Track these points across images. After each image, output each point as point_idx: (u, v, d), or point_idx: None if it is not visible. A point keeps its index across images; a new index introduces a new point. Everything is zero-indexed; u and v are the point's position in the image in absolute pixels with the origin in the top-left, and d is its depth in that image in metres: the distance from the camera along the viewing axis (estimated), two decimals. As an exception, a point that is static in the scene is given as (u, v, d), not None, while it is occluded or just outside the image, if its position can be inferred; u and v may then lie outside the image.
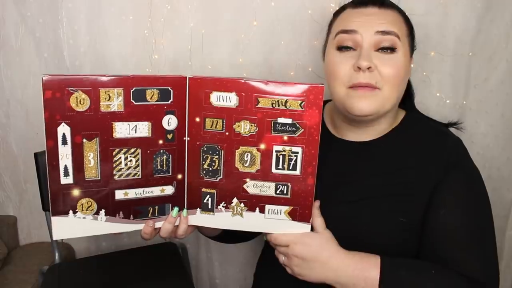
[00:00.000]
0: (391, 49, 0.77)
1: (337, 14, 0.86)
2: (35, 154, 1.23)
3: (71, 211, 0.72)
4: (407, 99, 0.92)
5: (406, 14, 0.84)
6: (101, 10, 1.23)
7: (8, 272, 1.32)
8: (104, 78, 0.68)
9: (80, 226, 0.73)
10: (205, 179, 0.75)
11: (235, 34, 1.21)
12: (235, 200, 0.75)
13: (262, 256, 0.99)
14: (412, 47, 0.84)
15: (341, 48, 0.79)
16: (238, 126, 0.72)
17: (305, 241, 0.74)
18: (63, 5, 1.23)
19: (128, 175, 0.73)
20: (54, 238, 0.73)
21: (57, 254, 1.32)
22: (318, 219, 0.76)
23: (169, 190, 0.76)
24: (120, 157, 0.72)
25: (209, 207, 0.77)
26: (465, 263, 0.74)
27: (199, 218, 0.78)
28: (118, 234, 0.76)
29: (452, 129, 0.90)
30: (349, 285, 0.73)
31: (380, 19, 0.78)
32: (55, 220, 0.72)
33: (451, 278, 0.73)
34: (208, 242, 1.41)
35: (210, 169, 0.75)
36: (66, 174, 0.70)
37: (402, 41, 0.78)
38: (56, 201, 0.71)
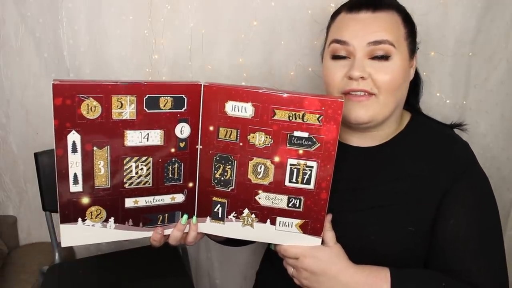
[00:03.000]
0: (385, 57, 0.75)
1: (333, 17, 0.83)
2: (35, 154, 1.23)
3: (80, 219, 0.71)
4: (412, 98, 0.90)
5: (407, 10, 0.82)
6: (101, 10, 1.23)
7: (8, 272, 1.32)
8: (117, 85, 0.66)
9: (88, 234, 0.73)
10: (216, 188, 0.75)
11: (235, 34, 1.21)
12: (246, 211, 0.75)
13: (266, 255, 0.99)
14: (413, 48, 0.81)
15: (335, 57, 0.78)
16: (253, 137, 0.70)
17: (314, 254, 0.73)
18: (63, 5, 1.23)
19: (138, 183, 0.72)
20: (63, 245, 0.72)
21: (57, 254, 1.31)
22: (329, 233, 0.75)
23: (179, 198, 0.76)
24: (131, 166, 0.71)
25: (219, 216, 0.76)
26: (474, 273, 0.73)
27: (209, 226, 0.77)
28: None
29: (456, 131, 0.89)
30: None
31: (373, 27, 0.75)
32: (64, 227, 0.71)
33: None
34: (208, 242, 1.41)
35: (222, 178, 0.74)
36: (76, 182, 0.69)
37: (398, 46, 0.76)
38: (64, 209, 0.70)
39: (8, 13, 1.27)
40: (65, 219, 0.71)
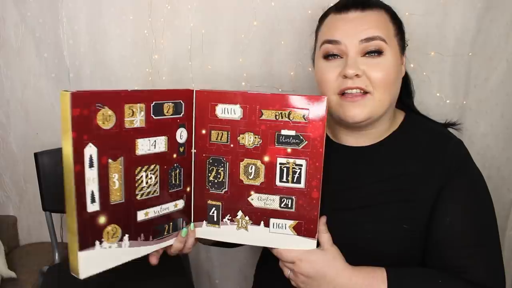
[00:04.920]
0: (378, 53, 0.76)
1: (321, 20, 0.84)
2: (35, 154, 1.23)
3: (97, 242, 0.65)
4: (405, 98, 0.91)
5: (395, 11, 0.82)
6: (101, 10, 1.23)
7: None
8: (129, 92, 0.66)
9: (106, 257, 0.67)
10: (210, 191, 0.75)
11: (235, 34, 1.21)
12: (240, 213, 0.75)
13: (262, 256, 0.99)
14: (402, 45, 0.82)
15: (328, 57, 0.78)
16: (243, 138, 0.71)
17: (310, 258, 0.73)
18: (63, 5, 1.23)
19: (148, 193, 0.71)
20: (81, 277, 0.64)
21: (57, 254, 1.32)
22: (324, 235, 0.74)
23: (180, 204, 0.75)
24: (142, 175, 0.69)
25: (215, 219, 0.76)
26: (471, 270, 0.73)
27: (205, 231, 0.77)
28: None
29: (451, 130, 0.89)
30: None
31: (363, 25, 0.76)
32: (83, 255, 0.63)
33: (459, 286, 0.72)
34: (208, 242, 1.42)
35: (216, 181, 0.74)
36: (93, 200, 0.64)
37: (389, 42, 0.77)
38: (83, 233, 0.63)
39: (8, 13, 1.27)
40: (84, 245, 0.63)
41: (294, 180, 0.72)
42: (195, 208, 0.77)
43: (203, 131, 0.73)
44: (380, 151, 0.82)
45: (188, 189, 0.75)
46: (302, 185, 0.72)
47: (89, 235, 0.64)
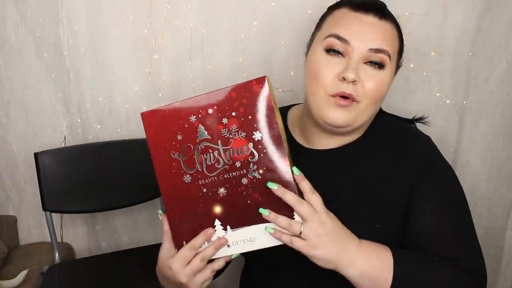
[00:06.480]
0: (380, 66, 0.75)
1: (331, 9, 0.81)
2: (35, 154, 1.23)
3: None
4: None
5: (395, 11, 0.81)
6: (101, 10, 1.23)
7: (8, 272, 1.32)
8: None
9: None
10: None
11: (235, 34, 1.21)
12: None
13: (244, 270, 0.98)
14: (398, 65, 0.82)
15: (329, 51, 0.76)
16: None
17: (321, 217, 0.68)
18: (63, 5, 1.23)
19: None
20: None
21: (57, 254, 1.32)
22: (313, 196, 0.69)
23: None
24: None
25: None
26: (453, 261, 0.74)
27: None
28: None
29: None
30: (366, 267, 0.70)
31: (376, 33, 0.75)
32: None
33: (449, 267, 0.74)
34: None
35: None
36: None
37: (392, 59, 0.76)
38: None
39: (8, 13, 1.27)
40: None
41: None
42: None
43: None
44: (350, 152, 0.82)
45: None
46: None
47: None
